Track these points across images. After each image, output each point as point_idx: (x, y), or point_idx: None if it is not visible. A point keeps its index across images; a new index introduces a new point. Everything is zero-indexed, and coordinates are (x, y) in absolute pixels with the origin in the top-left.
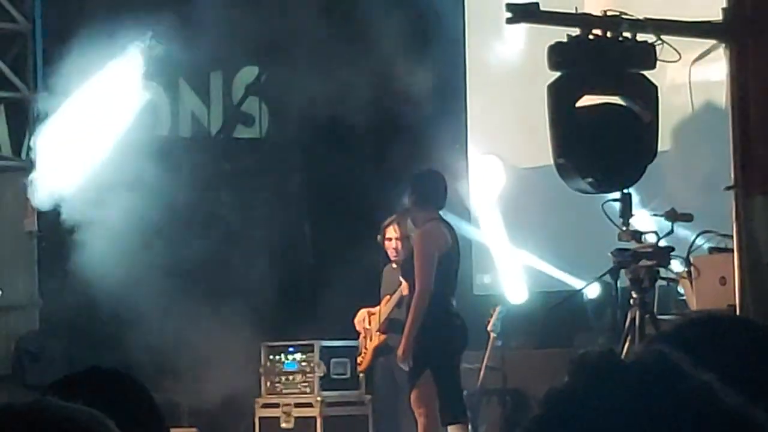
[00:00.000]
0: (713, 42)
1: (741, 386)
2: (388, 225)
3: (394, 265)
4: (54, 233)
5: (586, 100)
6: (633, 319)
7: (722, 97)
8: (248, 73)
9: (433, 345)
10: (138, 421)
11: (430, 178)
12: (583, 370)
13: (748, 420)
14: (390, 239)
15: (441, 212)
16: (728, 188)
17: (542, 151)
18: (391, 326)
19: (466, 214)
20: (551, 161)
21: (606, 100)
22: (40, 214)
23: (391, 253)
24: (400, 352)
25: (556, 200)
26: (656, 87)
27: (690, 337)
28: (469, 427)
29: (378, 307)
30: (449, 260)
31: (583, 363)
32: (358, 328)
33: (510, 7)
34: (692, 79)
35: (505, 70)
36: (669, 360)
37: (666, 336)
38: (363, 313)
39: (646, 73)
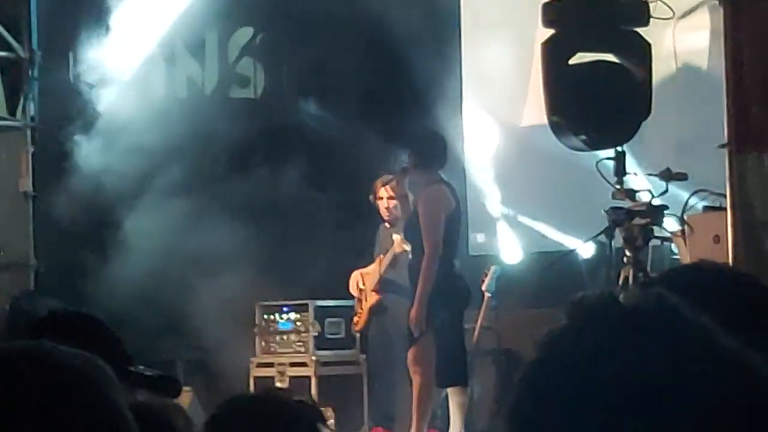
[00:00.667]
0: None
1: (733, 331)
2: (380, 184)
3: (387, 225)
4: (49, 193)
5: (580, 58)
6: (626, 278)
7: (705, 61)
8: (243, 34)
9: (436, 306)
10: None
11: (431, 138)
12: (581, 312)
13: (746, 362)
14: (381, 198)
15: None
16: (721, 146)
17: (537, 110)
18: (385, 286)
19: (460, 174)
20: (545, 120)
21: (599, 58)
22: (36, 175)
23: (383, 213)
24: (412, 315)
25: (551, 160)
26: (649, 44)
27: (682, 282)
28: (468, 388)
29: (371, 267)
30: (452, 222)
31: (582, 305)
32: (352, 290)
33: None
34: (677, 44)
35: (501, 26)
36: (668, 302)
37: (659, 281)
38: (357, 274)
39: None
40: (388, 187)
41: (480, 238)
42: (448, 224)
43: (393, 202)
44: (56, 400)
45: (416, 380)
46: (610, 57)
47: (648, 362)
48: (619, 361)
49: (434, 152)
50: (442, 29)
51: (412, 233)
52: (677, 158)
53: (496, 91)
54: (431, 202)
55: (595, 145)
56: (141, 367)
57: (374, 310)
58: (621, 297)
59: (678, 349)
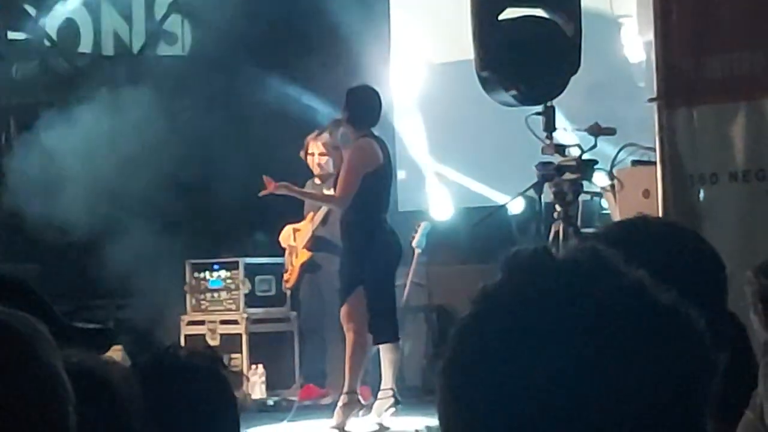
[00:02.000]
0: None
1: (671, 284)
2: (310, 140)
3: (317, 181)
4: None
5: (510, 14)
6: (557, 233)
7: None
8: None
9: (367, 262)
10: None
11: (365, 94)
12: (516, 266)
13: (680, 315)
14: (312, 154)
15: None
16: (651, 100)
17: (468, 65)
18: (317, 243)
19: (389, 130)
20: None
21: (529, 12)
22: None
23: (315, 169)
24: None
25: (480, 115)
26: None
27: (619, 236)
28: (400, 344)
29: (303, 223)
30: (381, 177)
31: (517, 260)
32: (283, 244)
33: None
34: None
35: None
36: (601, 256)
37: (597, 236)
38: (288, 229)
39: None
40: (318, 143)
41: (410, 195)
42: (374, 178)
43: (324, 158)
44: None
45: (349, 337)
46: (539, 12)
47: (581, 314)
48: (553, 314)
49: (366, 107)
50: None
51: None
52: (605, 112)
53: (424, 43)
54: (356, 153)
55: (525, 100)
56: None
57: (306, 268)
58: (555, 251)
59: (612, 303)
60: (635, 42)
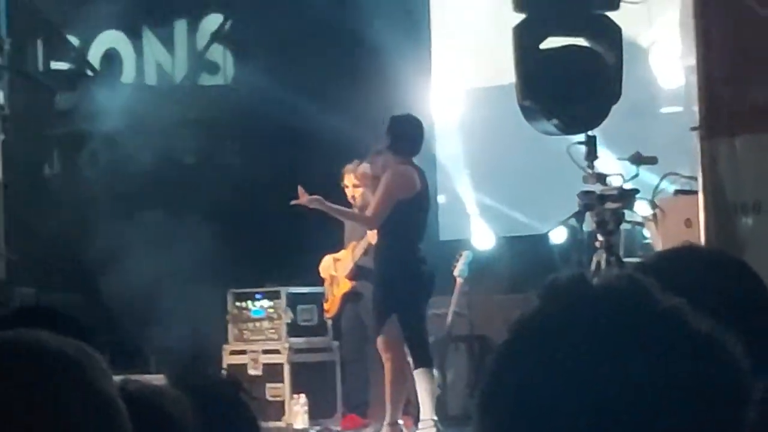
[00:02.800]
0: None
1: (712, 313)
2: (346, 171)
3: (356, 210)
4: (21, 183)
5: (551, 43)
6: (599, 262)
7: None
8: (213, 21)
9: (400, 291)
10: None
11: (407, 122)
12: (553, 294)
13: (717, 344)
14: (347, 186)
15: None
16: (693, 129)
17: (510, 89)
18: (359, 273)
19: (431, 159)
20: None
21: (571, 42)
22: (7, 164)
23: (351, 200)
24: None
25: (522, 144)
26: (620, 28)
27: (666, 265)
28: (435, 372)
29: (343, 253)
30: (417, 206)
31: (554, 287)
32: (323, 274)
33: None
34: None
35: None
36: (639, 284)
37: (643, 264)
38: (329, 259)
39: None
40: (352, 175)
41: (452, 224)
42: (409, 207)
43: (358, 191)
44: (46, 387)
45: (388, 366)
46: (581, 41)
47: (617, 342)
48: (589, 341)
49: (409, 136)
50: (411, 4)
51: None
52: (642, 138)
53: (466, 78)
54: (393, 177)
55: (566, 129)
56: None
57: (347, 297)
58: (593, 279)
59: (649, 332)
60: (672, 67)
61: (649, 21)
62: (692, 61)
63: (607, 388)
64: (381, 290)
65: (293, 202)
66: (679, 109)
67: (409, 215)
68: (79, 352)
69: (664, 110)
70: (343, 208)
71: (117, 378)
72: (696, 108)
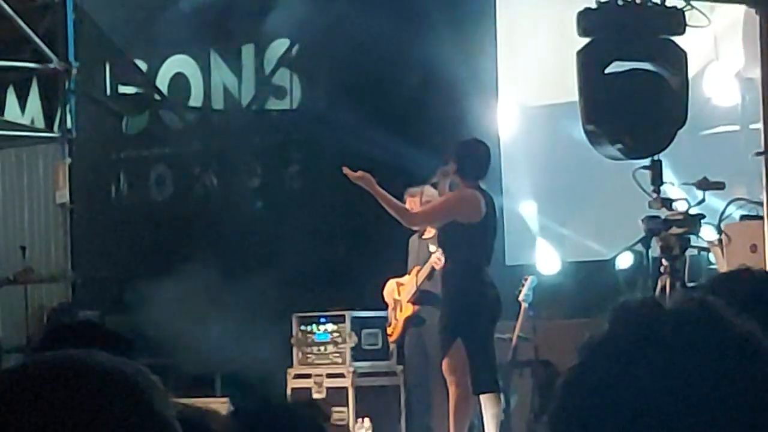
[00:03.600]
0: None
1: None
2: (408, 196)
3: (424, 236)
4: (86, 205)
5: (616, 67)
6: (663, 287)
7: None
8: (280, 45)
9: (466, 314)
10: None
11: (475, 146)
12: (624, 317)
13: None
14: None
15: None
16: (758, 154)
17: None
18: (422, 298)
19: (497, 184)
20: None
21: (635, 66)
22: (73, 186)
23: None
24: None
25: (587, 168)
26: (685, 53)
27: (730, 288)
28: (501, 397)
29: (406, 278)
30: (484, 230)
31: (624, 310)
32: (387, 299)
33: None
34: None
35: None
36: (711, 308)
37: (705, 287)
38: (392, 283)
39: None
40: (416, 198)
41: (518, 249)
42: (475, 230)
43: None
44: (104, 409)
45: (452, 390)
46: (646, 66)
47: (690, 365)
48: (661, 365)
49: (476, 161)
50: (477, 37)
51: (442, 241)
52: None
53: (534, 103)
54: (458, 198)
55: (631, 154)
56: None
57: (411, 322)
58: (662, 302)
59: (722, 356)
60: (728, 84)
61: (713, 42)
62: (753, 74)
63: (680, 414)
64: (447, 314)
65: (346, 172)
66: (736, 127)
67: (477, 239)
68: (137, 373)
69: (720, 129)
70: (385, 193)
71: (215, 401)
72: (757, 126)
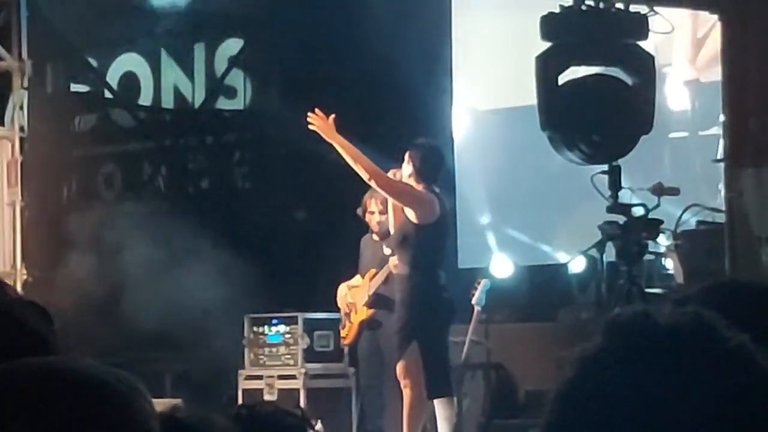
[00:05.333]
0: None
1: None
2: (369, 198)
3: (375, 237)
4: (37, 203)
5: (577, 72)
6: (620, 293)
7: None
8: (232, 45)
9: (422, 317)
10: None
11: (429, 149)
12: (617, 331)
13: None
14: (372, 212)
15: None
16: (717, 161)
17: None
18: (378, 301)
19: (450, 187)
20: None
21: (594, 72)
22: (26, 186)
23: (374, 227)
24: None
25: (544, 171)
26: (652, 57)
27: (719, 299)
28: (455, 401)
29: (358, 279)
30: (437, 233)
31: (617, 324)
32: (339, 303)
33: None
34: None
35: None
36: (704, 321)
37: (694, 298)
38: (344, 288)
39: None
40: (378, 200)
41: (470, 252)
42: (430, 232)
43: (383, 216)
44: (90, 418)
45: (406, 393)
46: (613, 70)
47: (685, 383)
48: (656, 379)
49: (431, 164)
50: (432, 27)
51: (398, 244)
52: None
53: (489, 100)
54: (418, 192)
55: (589, 159)
56: None
57: (365, 325)
58: (655, 314)
59: (716, 370)
60: (679, 90)
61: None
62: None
63: (673, 426)
64: (402, 317)
65: (311, 121)
66: (686, 134)
67: (431, 242)
68: (122, 381)
69: (671, 135)
70: (349, 145)
71: (165, 401)
72: (706, 133)
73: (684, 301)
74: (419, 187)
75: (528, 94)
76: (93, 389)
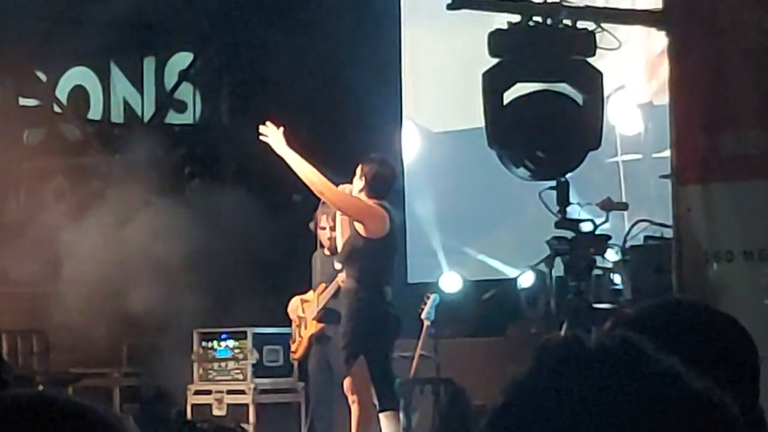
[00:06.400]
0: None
1: (705, 370)
2: (321, 213)
3: (327, 252)
4: None
5: (525, 89)
6: (568, 308)
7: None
8: (182, 59)
9: (368, 332)
10: None
11: (381, 164)
12: (547, 356)
13: (714, 403)
14: (324, 228)
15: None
16: (664, 176)
17: (480, 133)
18: (327, 316)
19: (400, 203)
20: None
21: (543, 88)
22: None
23: (325, 242)
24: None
25: (492, 188)
26: (601, 73)
27: (654, 322)
28: (401, 415)
29: (311, 294)
30: (386, 247)
31: (547, 349)
32: (291, 315)
33: None
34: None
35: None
36: (632, 345)
37: (630, 320)
38: (296, 300)
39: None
40: (329, 216)
41: (419, 267)
42: (378, 247)
43: (334, 233)
44: None
45: (354, 408)
46: (561, 87)
47: (614, 408)
48: (583, 405)
49: (383, 178)
50: (382, 48)
51: (348, 259)
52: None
53: (438, 122)
54: (369, 205)
55: (535, 175)
56: None
57: (315, 339)
58: (585, 339)
59: (644, 393)
60: (631, 112)
61: (621, 69)
62: (658, 101)
63: None
64: (349, 331)
65: (262, 132)
66: (639, 156)
67: (379, 256)
68: (109, 414)
69: (624, 157)
70: (298, 156)
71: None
72: (659, 155)
73: (626, 322)
74: (370, 202)
75: (478, 116)
76: (87, 423)
